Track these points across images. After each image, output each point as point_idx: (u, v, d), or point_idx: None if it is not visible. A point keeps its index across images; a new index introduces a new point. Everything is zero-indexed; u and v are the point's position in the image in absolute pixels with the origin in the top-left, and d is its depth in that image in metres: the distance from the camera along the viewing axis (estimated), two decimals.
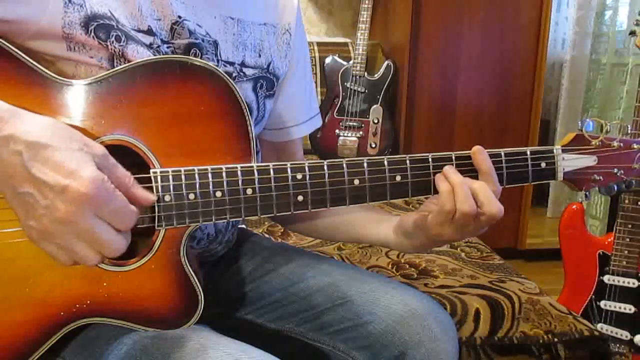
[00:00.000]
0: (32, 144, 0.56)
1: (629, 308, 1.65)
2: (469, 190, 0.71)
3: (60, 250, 0.59)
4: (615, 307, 1.67)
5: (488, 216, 0.72)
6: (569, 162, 0.77)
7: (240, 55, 0.83)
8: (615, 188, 0.78)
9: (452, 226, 0.73)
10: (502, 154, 0.75)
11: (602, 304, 1.68)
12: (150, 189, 0.65)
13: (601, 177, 0.77)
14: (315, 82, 2.36)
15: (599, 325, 1.68)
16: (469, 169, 0.74)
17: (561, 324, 1.12)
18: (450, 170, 0.73)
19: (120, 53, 0.69)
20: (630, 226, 1.62)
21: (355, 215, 0.90)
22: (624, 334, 1.65)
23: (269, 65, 0.88)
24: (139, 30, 0.71)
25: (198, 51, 0.77)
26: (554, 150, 0.77)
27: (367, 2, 2.38)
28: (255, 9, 0.86)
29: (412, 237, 0.81)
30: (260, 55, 0.86)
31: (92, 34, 0.67)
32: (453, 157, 0.74)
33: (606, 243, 1.68)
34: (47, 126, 0.58)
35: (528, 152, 0.76)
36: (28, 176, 0.56)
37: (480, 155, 0.73)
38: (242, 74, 0.84)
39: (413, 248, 0.82)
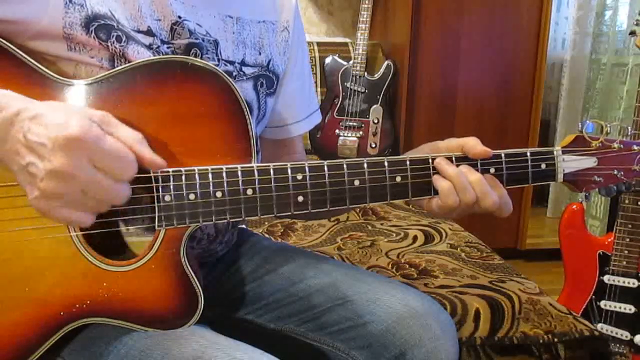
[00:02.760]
0: (34, 116, 0.56)
1: (629, 308, 1.65)
2: (467, 181, 0.72)
3: (68, 207, 0.58)
4: (615, 307, 1.67)
5: (483, 208, 0.74)
6: (569, 163, 0.77)
7: (240, 53, 0.83)
8: (615, 189, 0.78)
9: (455, 213, 0.75)
10: (502, 155, 0.75)
11: (602, 304, 1.68)
12: (150, 189, 0.65)
13: (601, 179, 0.77)
14: (315, 82, 2.37)
15: (599, 325, 1.68)
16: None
17: (561, 324, 1.12)
18: (443, 162, 0.73)
19: (121, 53, 0.69)
20: (630, 226, 1.62)
21: None
22: (624, 334, 1.65)
23: (269, 63, 0.88)
24: (139, 31, 0.71)
25: (198, 51, 0.77)
26: (554, 152, 0.77)
27: (367, 2, 2.37)
28: (253, 6, 0.86)
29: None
30: (260, 53, 0.86)
31: (93, 34, 0.67)
32: (453, 159, 0.74)
33: (606, 243, 1.68)
34: (53, 104, 0.60)
35: (528, 153, 0.76)
36: (27, 144, 0.56)
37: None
38: (241, 72, 0.84)
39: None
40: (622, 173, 0.77)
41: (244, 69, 0.84)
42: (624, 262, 1.64)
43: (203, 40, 0.78)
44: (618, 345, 1.66)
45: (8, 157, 0.58)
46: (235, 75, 0.83)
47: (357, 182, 0.72)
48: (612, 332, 1.67)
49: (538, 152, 0.76)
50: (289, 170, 0.69)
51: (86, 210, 0.59)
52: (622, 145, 0.77)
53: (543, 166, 0.77)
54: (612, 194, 0.78)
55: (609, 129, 0.77)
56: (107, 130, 0.59)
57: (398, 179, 0.73)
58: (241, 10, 0.83)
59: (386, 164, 0.72)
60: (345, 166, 0.71)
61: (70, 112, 0.58)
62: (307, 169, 0.70)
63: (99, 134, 0.57)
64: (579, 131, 0.78)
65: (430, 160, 0.74)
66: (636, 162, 0.77)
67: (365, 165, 0.72)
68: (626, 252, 1.63)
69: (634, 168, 0.77)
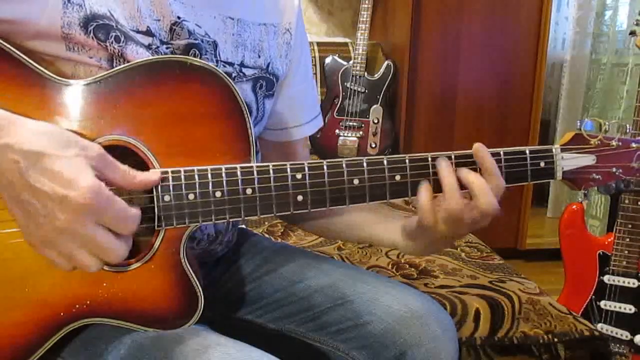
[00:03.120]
0: (28, 153, 0.55)
1: (629, 308, 1.65)
2: (457, 191, 0.71)
3: (60, 256, 0.59)
4: (615, 307, 1.67)
5: (481, 210, 0.71)
6: (568, 161, 0.77)
7: (239, 55, 0.83)
8: (614, 187, 0.78)
9: (445, 225, 0.73)
10: (501, 153, 0.75)
11: (602, 304, 1.68)
12: (149, 189, 0.65)
13: (600, 177, 0.77)
14: (315, 82, 2.37)
15: (599, 325, 1.68)
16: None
17: (561, 324, 1.12)
18: (443, 164, 0.72)
19: (120, 53, 0.69)
20: (630, 226, 1.62)
21: (365, 217, 0.89)
22: (624, 334, 1.65)
23: (268, 66, 0.87)
24: (138, 31, 0.71)
25: (197, 52, 0.77)
26: (553, 150, 0.77)
27: (367, 2, 2.38)
28: (255, 8, 0.86)
29: (415, 238, 0.80)
30: (259, 56, 0.86)
31: (92, 34, 0.67)
32: (452, 157, 0.74)
33: (606, 243, 1.68)
34: (44, 134, 0.58)
35: (527, 152, 0.76)
36: (26, 185, 0.56)
37: (480, 153, 0.73)
38: (241, 74, 0.83)
39: (418, 251, 0.82)
40: (621, 170, 0.77)
41: (243, 70, 0.84)
42: (624, 262, 1.64)
43: (202, 41, 0.78)
44: (618, 345, 1.66)
45: None
46: (235, 77, 0.82)
47: (356, 181, 0.71)
48: (612, 332, 1.67)
49: (537, 150, 0.76)
50: (288, 170, 0.69)
51: (73, 263, 0.59)
52: (620, 143, 0.77)
53: (542, 164, 0.76)
54: (611, 191, 0.78)
55: (607, 126, 0.77)
56: (103, 172, 0.59)
57: (397, 177, 0.73)
58: (242, 12, 0.83)
59: (385, 162, 0.72)
60: (344, 165, 0.71)
61: (73, 160, 0.57)
62: (306, 168, 0.70)
63: (108, 197, 0.57)
64: (578, 129, 0.78)
65: (429, 159, 0.73)
66: (635, 159, 0.77)
67: (365, 164, 0.72)
68: (626, 252, 1.63)
69: (633, 165, 0.77)
